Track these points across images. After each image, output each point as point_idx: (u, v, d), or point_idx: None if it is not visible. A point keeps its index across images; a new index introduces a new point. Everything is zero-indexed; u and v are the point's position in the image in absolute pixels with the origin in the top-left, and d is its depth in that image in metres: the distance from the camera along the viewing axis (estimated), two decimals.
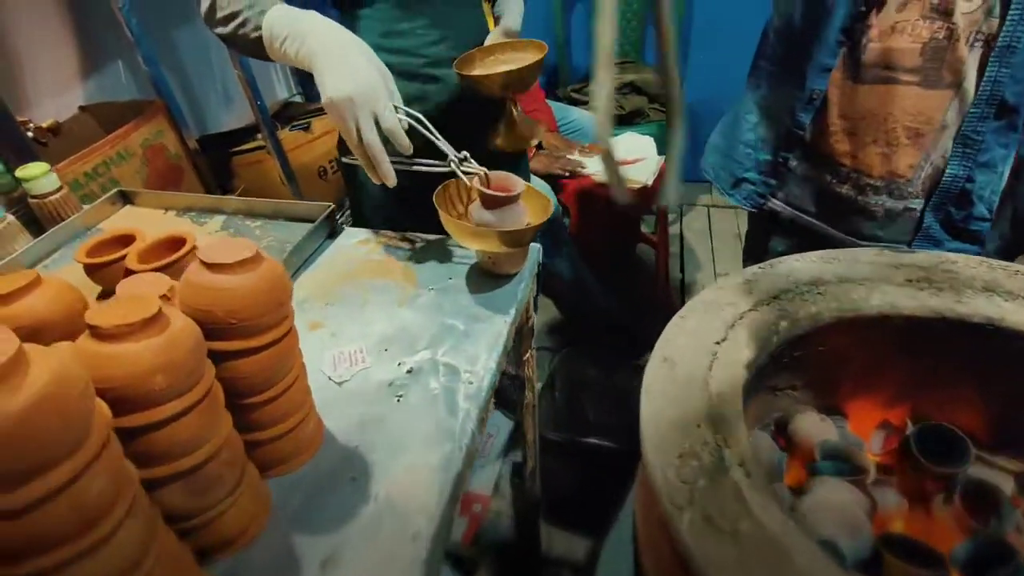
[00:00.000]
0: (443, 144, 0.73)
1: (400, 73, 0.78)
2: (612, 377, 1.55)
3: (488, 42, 0.89)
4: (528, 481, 1.13)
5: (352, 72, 0.67)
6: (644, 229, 2.20)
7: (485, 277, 0.77)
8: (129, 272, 0.73)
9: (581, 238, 1.75)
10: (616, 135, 1.95)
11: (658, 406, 0.62)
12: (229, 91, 2.36)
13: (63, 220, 0.90)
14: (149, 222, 0.95)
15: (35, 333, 0.51)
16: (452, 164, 0.73)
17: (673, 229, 2.40)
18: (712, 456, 0.57)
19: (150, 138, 1.69)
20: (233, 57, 1.74)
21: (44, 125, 1.13)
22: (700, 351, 0.68)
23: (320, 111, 2.38)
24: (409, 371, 0.65)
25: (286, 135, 2.13)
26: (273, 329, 0.47)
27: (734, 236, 2.37)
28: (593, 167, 1.75)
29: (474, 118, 0.90)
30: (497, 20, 0.98)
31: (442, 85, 0.88)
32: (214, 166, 2.03)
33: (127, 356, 0.37)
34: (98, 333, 0.38)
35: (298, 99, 2.75)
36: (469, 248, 0.74)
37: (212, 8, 0.75)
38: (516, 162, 1.02)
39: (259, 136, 2.12)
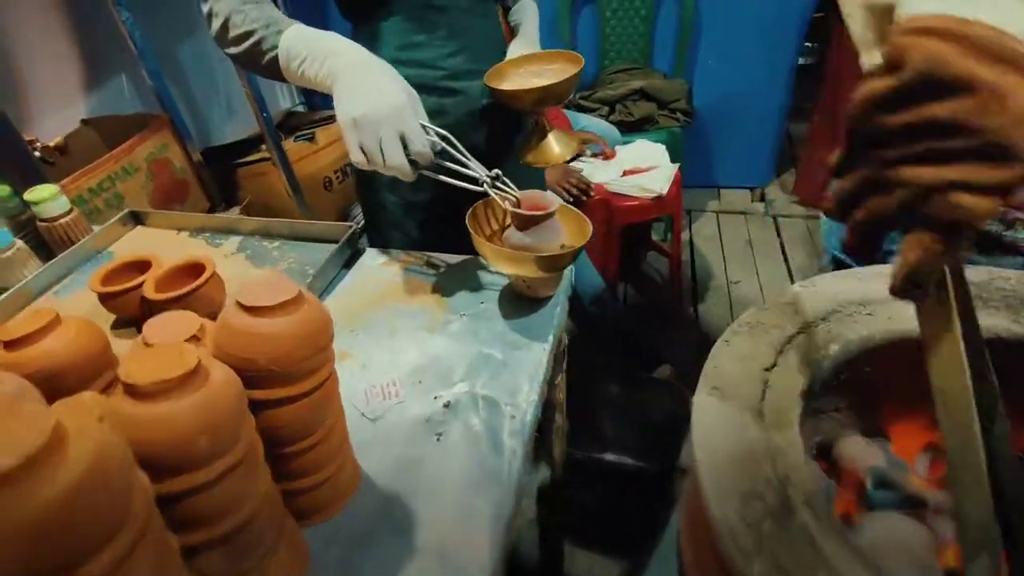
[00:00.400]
0: (474, 164, 0.69)
1: (417, 86, 0.75)
2: (627, 390, 1.52)
3: (512, 54, 0.86)
4: (554, 501, 1.09)
5: (378, 91, 0.64)
6: (654, 237, 2.17)
7: (519, 301, 0.74)
8: (145, 301, 0.70)
9: (590, 245, 1.72)
10: (626, 143, 1.92)
11: (712, 440, 0.58)
12: (232, 102, 2.33)
13: (73, 243, 0.86)
14: (162, 244, 0.91)
15: (55, 377, 0.48)
16: (484, 184, 0.69)
17: (682, 236, 2.37)
18: (776, 495, 0.53)
19: (155, 152, 1.65)
20: (238, 69, 1.71)
21: (51, 144, 1.09)
22: (750, 379, 0.65)
23: (324, 121, 2.35)
24: (446, 405, 0.61)
25: (291, 146, 2.10)
26: (315, 374, 0.44)
27: (744, 243, 2.35)
28: (606, 175, 1.72)
29: (495, 132, 0.87)
30: (514, 29, 0.95)
31: (461, 98, 0.85)
32: (218, 179, 1.99)
33: (167, 417, 0.34)
34: (135, 392, 0.34)
35: (301, 109, 2.72)
36: (504, 273, 0.71)
37: (224, 27, 0.72)
38: (532, 176, 0.99)
39: (263, 147, 2.09)
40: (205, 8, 0.73)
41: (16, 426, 0.25)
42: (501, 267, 0.69)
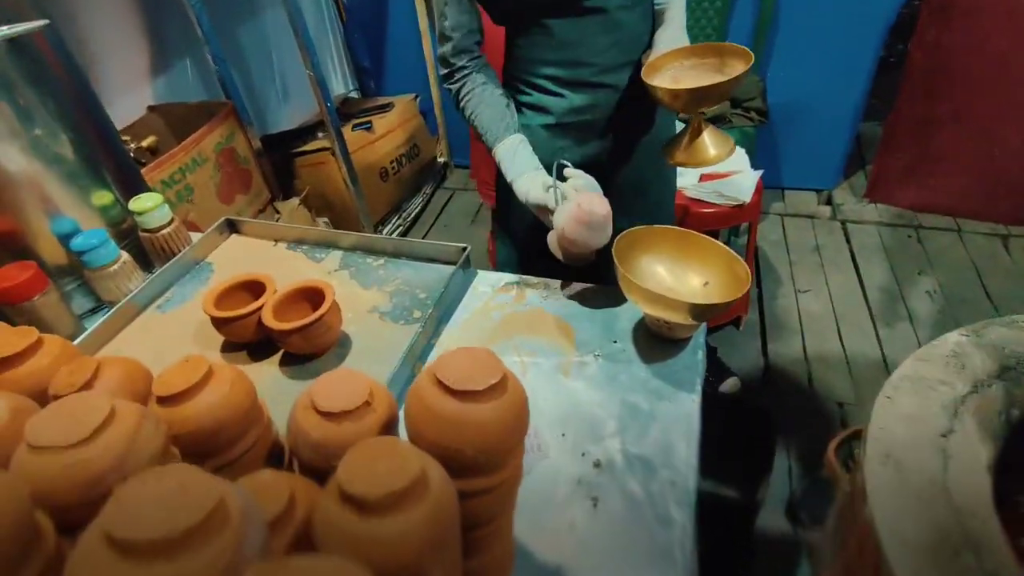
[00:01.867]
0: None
1: (570, 84, 0.81)
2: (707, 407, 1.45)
3: (661, 44, 0.79)
4: None
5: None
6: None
7: (655, 341, 0.68)
8: (264, 327, 0.66)
9: None
10: None
11: (897, 523, 0.53)
12: (288, 87, 2.28)
13: (173, 254, 0.83)
14: (261, 256, 0.88)
15: (209, 438, 0.44)
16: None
17: (743, 240, 2.27)
18: None
19: (222, 142, 1.62)
20: (302, 53, 1.64)
21: (144, 144, 1.06)
22: (926, 447, 0.59)
23: (380, 109, 2.29)
24: (597, 464, 0.56)
25: (349, 135, 2.05)
26: (513, 461, 0.39)
27: (811, 249, 2.24)
28: (682, 179, 1.63)
29: (639, 123, 0.88)
30: (658, 16, 0.87)
31: (612, 91, 0.83)
32: (276, 168, 1.96)
33: (394, 536, 0.30)
34: (362, 505, 0.30)
35: (355, 95, 2.67)
36: (649, 313, 0.65)
37: (456, 99, 0.84)
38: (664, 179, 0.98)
39: (320, 135, 2.05)
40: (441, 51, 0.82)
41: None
42: (647, 308, 0.63)
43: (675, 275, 0.70)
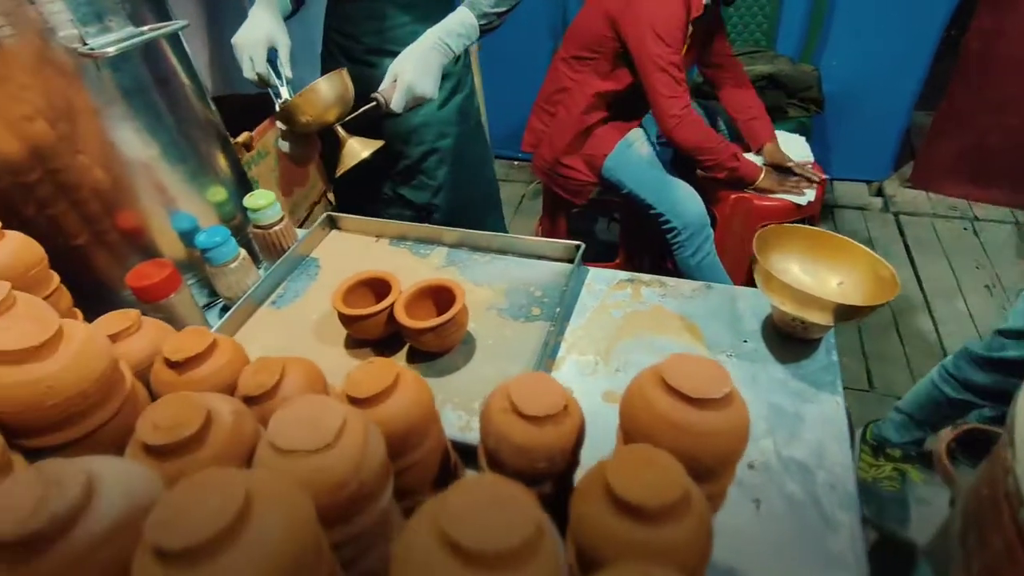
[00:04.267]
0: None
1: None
2: None
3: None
4: None
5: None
6: None
7: (786, 341, 0.68)
8: (396, 324, 0.66)
9: (726, 247, 1.64)
10: None
11: None
12: None
13: (282, 250, 0.83)
14: (363, 251, 0.88)
15: (397, 442, 0.45)
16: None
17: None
18: None
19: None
20: None
21: (239, 140, 1.07)
22: None
23: None
24: (751, 466, 0.56)
25: None
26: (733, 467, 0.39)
27: (864, 242, 2.19)
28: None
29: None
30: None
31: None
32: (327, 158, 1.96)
33: (677, 544, 0.30)
34: (640, 513, 0.30)
35: None
36: (786, 311, 0.64)
37: None
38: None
39: None
40: None
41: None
42: (791, 308, 0.62)
43: (809, 274, 0.69)
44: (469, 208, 1.21)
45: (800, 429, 0.59)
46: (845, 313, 0.60)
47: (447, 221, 1.12)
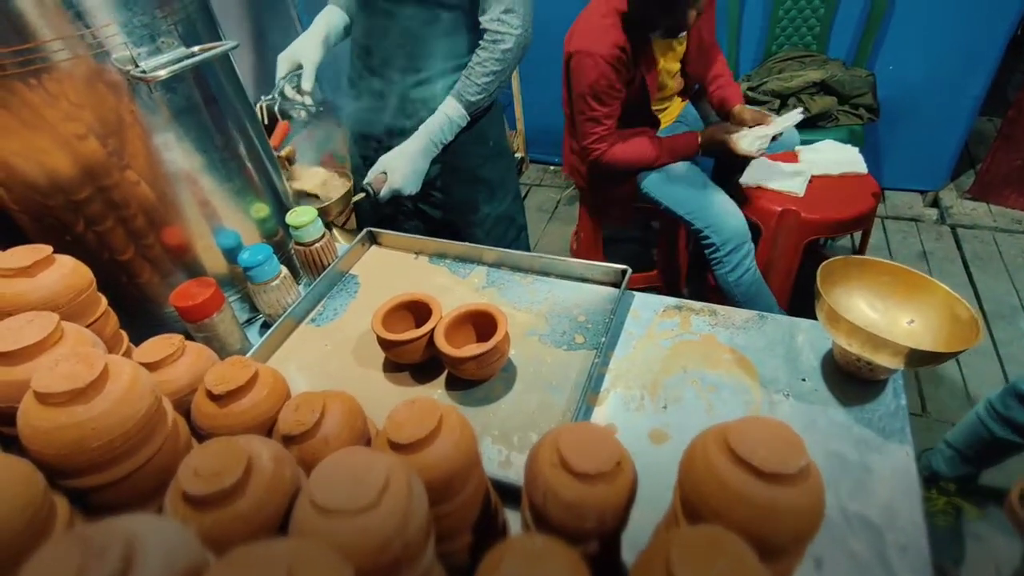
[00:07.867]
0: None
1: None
2: None
3: None
4: None
5: None
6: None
7: (847, 380, 0.63)
8: (435, 350, 0.65)
9: (771, 264, 1.57)
10: (806, 142, 1.73)
11: None
12: None
13: (323, 266, 0.83)
14: (402, 268, 0.87)
15: (443, 487, 0.43)
16: None
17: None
18: None
19: (322, 144, 1.64)
20: None
21: (283, 155, 1.07)
22: None
23: None
24: None
25: None
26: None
27: (918, 254, 2.09)
28: (791, 184, 1.54)
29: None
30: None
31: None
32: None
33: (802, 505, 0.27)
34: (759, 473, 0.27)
35: None
36: (851, 351, 0.60)
37: None
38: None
39: None
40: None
41: None
42: (858, 349, 0.58)
43: (877, 311, 0.64)
44: (488, 226, 1.21)
45: (867, 481, 0.55)
46: (920, 359, 0.55)
47: (463, 239, 1.11)
